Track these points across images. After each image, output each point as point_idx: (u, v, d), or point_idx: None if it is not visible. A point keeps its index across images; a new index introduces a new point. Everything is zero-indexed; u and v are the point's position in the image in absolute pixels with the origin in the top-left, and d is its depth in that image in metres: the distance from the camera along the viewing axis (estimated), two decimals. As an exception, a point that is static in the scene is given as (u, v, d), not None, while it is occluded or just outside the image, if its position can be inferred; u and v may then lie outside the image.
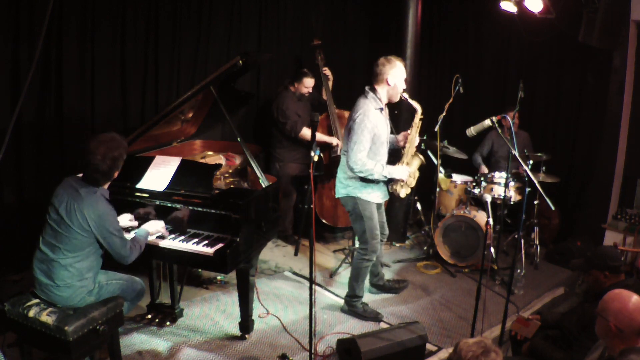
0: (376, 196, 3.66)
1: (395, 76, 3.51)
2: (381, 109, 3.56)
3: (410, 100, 3.63)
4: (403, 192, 3.73)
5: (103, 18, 3.97)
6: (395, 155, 3.79)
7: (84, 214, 2.58)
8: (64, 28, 3.76)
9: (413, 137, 3.74)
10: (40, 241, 2.69)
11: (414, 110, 3.69)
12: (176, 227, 3.13)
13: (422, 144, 4.56)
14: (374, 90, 3.55)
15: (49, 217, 2.66)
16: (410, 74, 5.15)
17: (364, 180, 3.56)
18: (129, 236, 2.89)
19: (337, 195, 3.75)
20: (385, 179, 3.60)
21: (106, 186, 2.74)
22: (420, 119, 3.72)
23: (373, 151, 3.53)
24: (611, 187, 5.02)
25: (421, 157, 3.81)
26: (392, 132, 3.77)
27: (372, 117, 3.45)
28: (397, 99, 3.63)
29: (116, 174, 2.73)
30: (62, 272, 2.62)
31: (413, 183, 3.77)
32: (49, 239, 2.65)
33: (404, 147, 3.77)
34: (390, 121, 3.72)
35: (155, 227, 2.99)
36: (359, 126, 3.42)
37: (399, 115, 4.86)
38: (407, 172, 3.66)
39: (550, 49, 5.43)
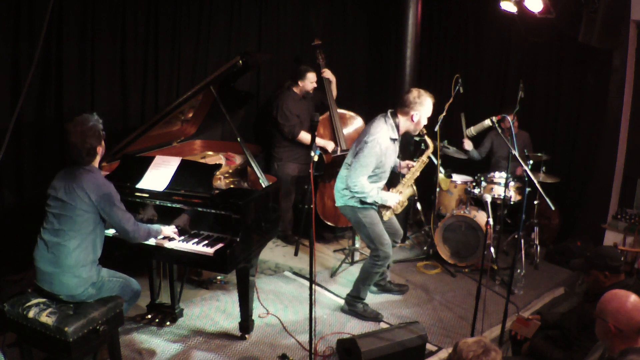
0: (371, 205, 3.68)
1: (421, 115, 3.52)
2: (394, 140, 3.56)
3: (427, 138, 3.68)
4: (387, 215, 3.73)
5: (103, 18, 3.97)
6: (392, 179, 3.81)
7: (84, 189, 2.65)
8: (64, 28, 3.76)
9: (416, 170, 3.77)
10: (40, 233, 2.72)
11: (427, 146, 3.73)
12: (182, 229, 3.15)
13: (423, 144, 4.57)
14: (394, 116, 3.54)
15: (48, 207, 2.71)
16: (410, 74, 5.17)
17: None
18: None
19: (336, 204, 3.77)
20: (377, 204, 3.62)
21: (96, 164, 2.80)
22: (429, 157, 3.76)
23: (375, 173, 3.55)
24: (611, 187, 5.02)
25: (414, 188, 3.82)
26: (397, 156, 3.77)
27: (383, 146, 3.46)
28: (415, 134, 3.66)
29: (100, 150, 2.78)
30: (67, 257, 2.64)
31: (399, 210, 3.78)
32: (50, 227, 2.69)
33: (403, 176, 3.79)
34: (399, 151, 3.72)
35: (169, 231, 3.04)
36: (369, 151, 3.42)
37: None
38: (397, 200, 3.66)
39: (550, 49, 5.42)
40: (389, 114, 3.54)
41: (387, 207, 3.67)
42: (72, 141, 2.68)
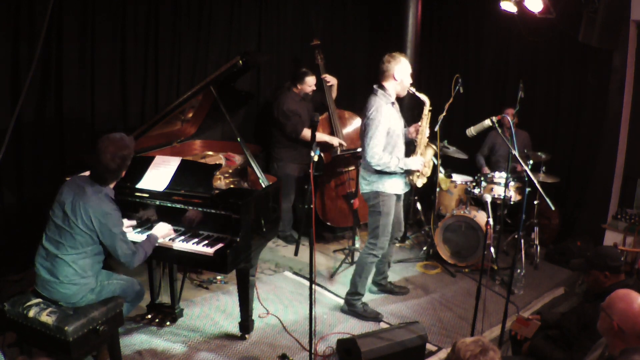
0: (399, 187, 3.72)
1: (401, 71, 3.59)
2: (392, 103, 3.64)
3: (417, 94, 3.71)
4: (420, 182, 3.79)
5: (103, 18, 3.97)
6: (409, 147, 3.85)
7: (89, 212, 2.60)
8: (64, 28, 3.76)
9: (424, 128, 3.81)
10: (43, 238, 2.70)
11: (423, 103, 3.76)
12: (186, 228, 3.14)
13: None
14: (382, 88, 3.62)
15: (53, 214, 2.67)
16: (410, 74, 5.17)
17: (385, 172, 3.61)
18: (141, 237, 2.94)
19: (361, 191, 3.79)
20: (402, 171, 3.64)
21: (112, 185, 2.76)
22: (430, 110, 3.79)
23: (391, 144, 3.60)
24: (611, 187, 5.02)
25: (434, 146, 3.86)
26: (404, 125, 3.82)
27: (385, 112, 3.53)
28: (404, 94, 3.71)
29: (123, 174, 2.75)
30: (65, 268, 2.63)
31: (429, 172, 3.83)
32: (52, 236, 2.66)
33: (416, 139, 3.83)
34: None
35: (164, 231, 3.01)
36: (373, 122, 3.50)
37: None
38: (421, 162, 3.71)
39: (550, 49, 5.42)
40: (375, 87, 3.62)
41: (415, 173, 3.72)
42: (100, 159, 2.61)
